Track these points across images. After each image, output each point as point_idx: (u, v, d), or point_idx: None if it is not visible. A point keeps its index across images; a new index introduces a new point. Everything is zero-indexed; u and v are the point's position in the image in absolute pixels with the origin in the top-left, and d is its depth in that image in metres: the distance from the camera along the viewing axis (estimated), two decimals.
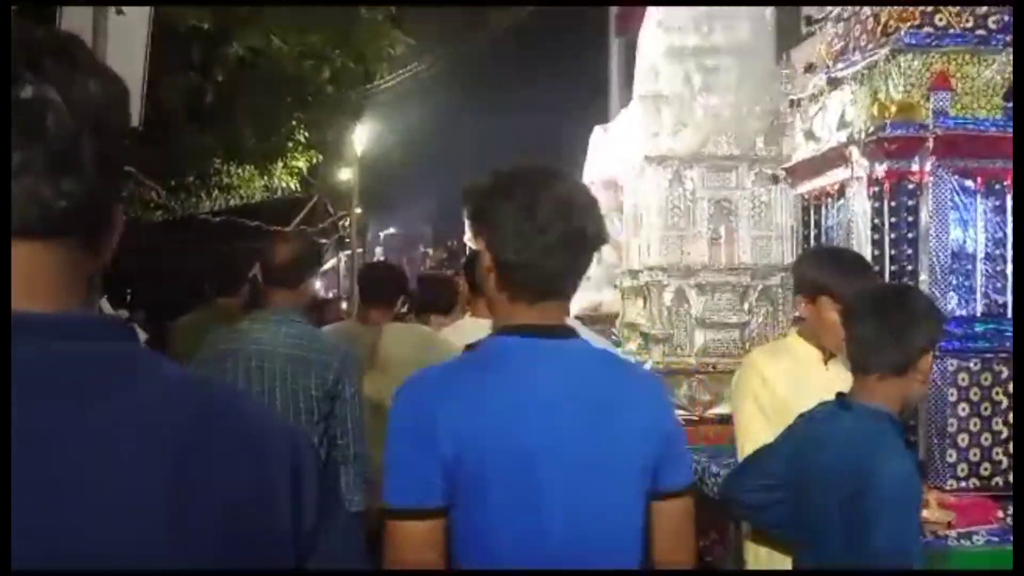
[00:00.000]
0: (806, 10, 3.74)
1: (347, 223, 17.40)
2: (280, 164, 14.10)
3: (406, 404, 1.45)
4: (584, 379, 1.47)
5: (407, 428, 1.42)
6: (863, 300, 2.01)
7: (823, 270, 2.33)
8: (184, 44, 8.95)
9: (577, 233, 1.45)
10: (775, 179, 3.94)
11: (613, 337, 7.60)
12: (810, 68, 3.29)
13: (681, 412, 4.88)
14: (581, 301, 8.10)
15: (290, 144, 13.64)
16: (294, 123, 13.15)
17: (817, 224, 3.03)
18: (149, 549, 0.70)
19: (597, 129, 8.95)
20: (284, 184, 14.27)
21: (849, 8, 3.13)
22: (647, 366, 4.94)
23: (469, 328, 3.42)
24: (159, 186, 11.98)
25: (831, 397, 2.10)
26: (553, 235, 1.42)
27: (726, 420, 5.09)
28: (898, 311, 1.94)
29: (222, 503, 0.74)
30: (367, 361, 3.15)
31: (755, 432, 2.31)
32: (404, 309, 3.93)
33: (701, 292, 4.99)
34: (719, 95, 5.07)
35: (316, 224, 13.50)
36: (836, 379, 2.27)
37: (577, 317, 7.47)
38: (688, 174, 5.03)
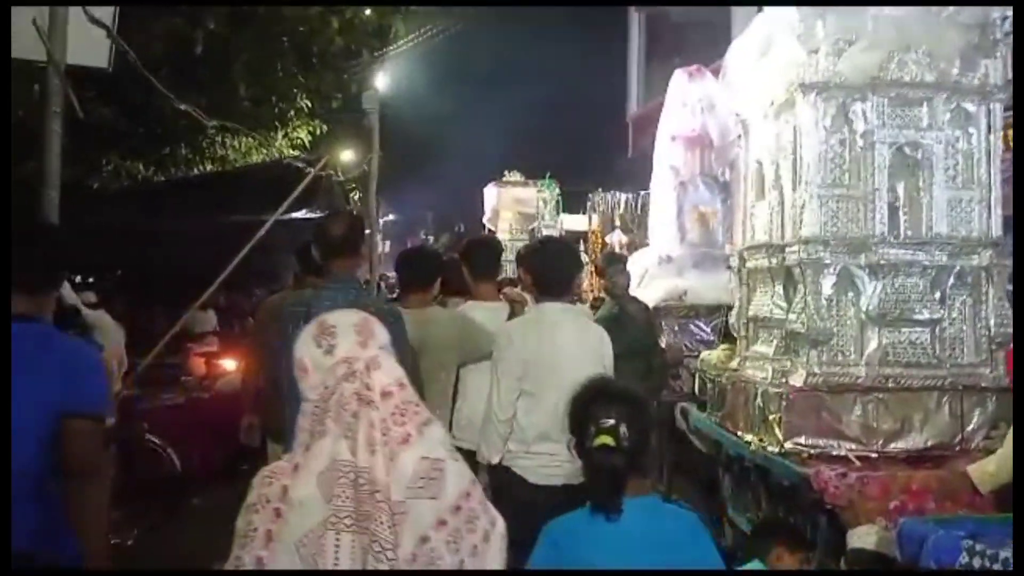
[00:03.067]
0: None
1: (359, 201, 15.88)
2: (280, 134, 12.64)
3: None
4: None
5: None
6: None
7: None
8: None
9: None
10: None
11: (704, 333, 6.13)
12: None
13: (852, 446, 3.43)
14: (660, 288, 6.62)
15: (292, 112, 12.17)
16: (296, 90, 11.68)
17: None
18: None
19: (678, 74, 7.44)
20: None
21: None
22: (796, 380, 3.49)
23: (478, 311, 3.65)
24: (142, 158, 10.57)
25: None
26: None
27: (924, 459, 3.62)
28: None
29: None
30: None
31: None
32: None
33: (875, 276, 3.53)
34: None
35: (322, 202, 12.02)
36: None
37: (656, 307, 6.03)
38: (858, 108, 3.56)
